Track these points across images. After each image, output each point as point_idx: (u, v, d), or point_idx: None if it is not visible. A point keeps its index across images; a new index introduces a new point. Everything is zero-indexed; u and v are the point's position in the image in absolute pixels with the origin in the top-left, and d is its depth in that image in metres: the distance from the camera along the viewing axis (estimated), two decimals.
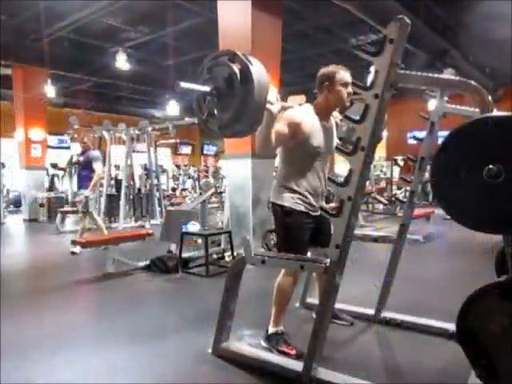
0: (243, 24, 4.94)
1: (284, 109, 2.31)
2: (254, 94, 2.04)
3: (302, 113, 2.34)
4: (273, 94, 2.16)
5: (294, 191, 2.35)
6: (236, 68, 2.08)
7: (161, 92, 12.74)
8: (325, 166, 2.44)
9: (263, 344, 2.43)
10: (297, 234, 2.35)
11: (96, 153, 5.75)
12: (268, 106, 2.10)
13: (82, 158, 5.64)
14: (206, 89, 2.18)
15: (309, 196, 2.36)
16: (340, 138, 2.64)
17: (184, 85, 2.17)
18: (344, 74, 2.32)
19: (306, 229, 2.37)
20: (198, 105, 2.29)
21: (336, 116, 2.59)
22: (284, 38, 5.66)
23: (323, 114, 2.38)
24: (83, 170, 5.61)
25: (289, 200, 2.35)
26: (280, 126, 2.23)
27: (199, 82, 2.25)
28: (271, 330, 2.42)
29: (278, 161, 2.57)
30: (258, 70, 2.09)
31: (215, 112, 2.18)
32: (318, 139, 2.32)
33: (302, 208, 2.34)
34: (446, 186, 1.58)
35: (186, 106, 12.88)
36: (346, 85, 2.30)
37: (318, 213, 2.37)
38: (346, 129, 2.72)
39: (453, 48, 8.05)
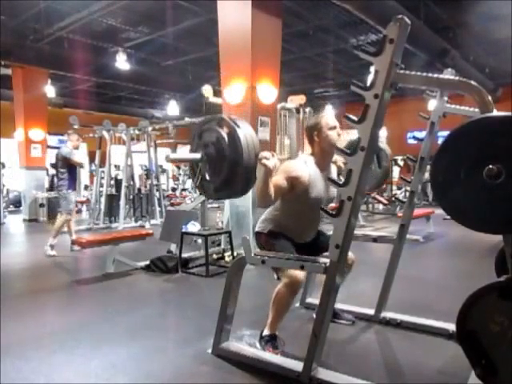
0: (243, 24, 4.94)
1: (281, 161, 2.35)
2: (243, 157, 2.07)
3: (300, 165, 2.38)
4: (267, 151, 2.21)
5: (281, 227, 2.44)
6: (223, 132, 2.12)
7: (161, 92, 12.74)
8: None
9: (257, 345, 2.43)
10: (281, 244, 2.39)
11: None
12: (264, 161, 2.12)
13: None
14: (197, 156, 2.22)
15: (295, 235, 2.46)
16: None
17: (174, 156, 2.22)
18: (327, 119, 2.39)
19: (290, 245, 2.42)
20: (192, 170, 2.34)
21: (337, 160, 2.63)
22: (284, 37, 5.67)
23: (322, 164, 2.43)
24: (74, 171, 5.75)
25: (273, 228, 2.44)
26: (279, 180, 2.26)
27: (192, 148, 2.29)
28: (265, 331, 2.42)
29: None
30: (245, 132, 2.11)
31: (208, 177, 2.23)
32: (316, 190, 2.36)
33: (286, 234, 2.43)
34: (446, 185, 1.58)
35: (186, 106, 12.88)
36: (333, 128, 2.36)
37: (307, 240, 2.50)
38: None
39: (453, 48, 8.04)
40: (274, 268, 2.32)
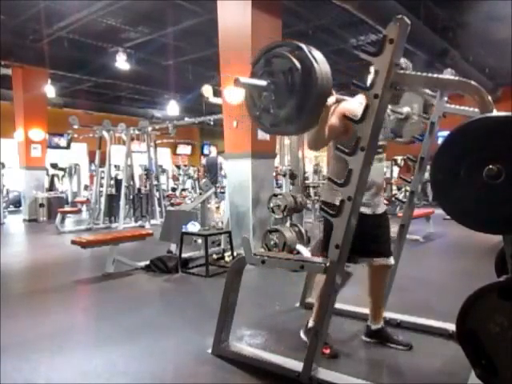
0: (243, 24, 4.94)
1: (338, 101, 2.19)
2: (315, 93, 1.87)
3: (356, 106, 2.21)
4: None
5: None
6: (298, 63, 1.90)
7: (161, 92, 12.73)
8: (380, 156, 2.33)
9: (302, 336, 2.42)
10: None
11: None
12: None
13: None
14: (263, 83, 2.00)
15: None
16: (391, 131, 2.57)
17: (243, 80, 1.99)
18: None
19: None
20: (251, 99, 2.12)
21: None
22: (284, 38, 5.66)
23: None
24: None
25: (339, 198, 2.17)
26: (334, 121, 2.16)
27: (255, 74, 2.07)
28: (310, 323, 2.41)
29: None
30: (322, 67, 1.90)
31: (270, 108, 2.01)
32: None
33: None
34: (445, 186, 1.58)
35: (185, 106, 12.88)
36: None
37: (376, 212, 2.33)
38: (393, 119, 2.61)
39: (453, 48, 8.04)
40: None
